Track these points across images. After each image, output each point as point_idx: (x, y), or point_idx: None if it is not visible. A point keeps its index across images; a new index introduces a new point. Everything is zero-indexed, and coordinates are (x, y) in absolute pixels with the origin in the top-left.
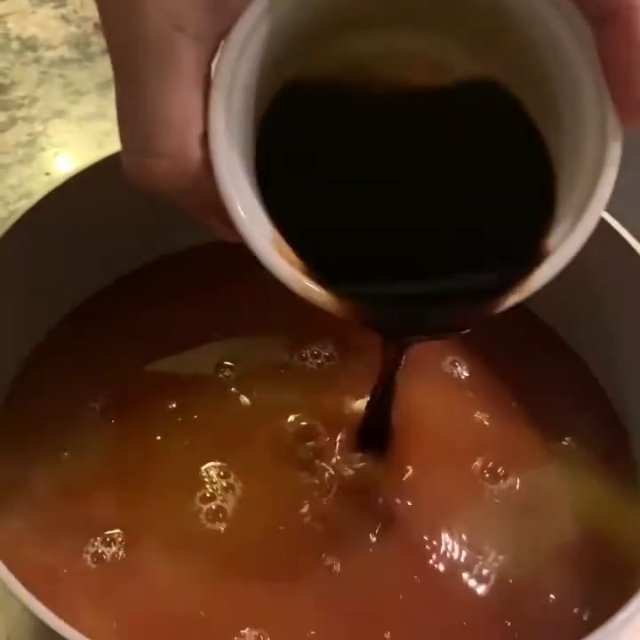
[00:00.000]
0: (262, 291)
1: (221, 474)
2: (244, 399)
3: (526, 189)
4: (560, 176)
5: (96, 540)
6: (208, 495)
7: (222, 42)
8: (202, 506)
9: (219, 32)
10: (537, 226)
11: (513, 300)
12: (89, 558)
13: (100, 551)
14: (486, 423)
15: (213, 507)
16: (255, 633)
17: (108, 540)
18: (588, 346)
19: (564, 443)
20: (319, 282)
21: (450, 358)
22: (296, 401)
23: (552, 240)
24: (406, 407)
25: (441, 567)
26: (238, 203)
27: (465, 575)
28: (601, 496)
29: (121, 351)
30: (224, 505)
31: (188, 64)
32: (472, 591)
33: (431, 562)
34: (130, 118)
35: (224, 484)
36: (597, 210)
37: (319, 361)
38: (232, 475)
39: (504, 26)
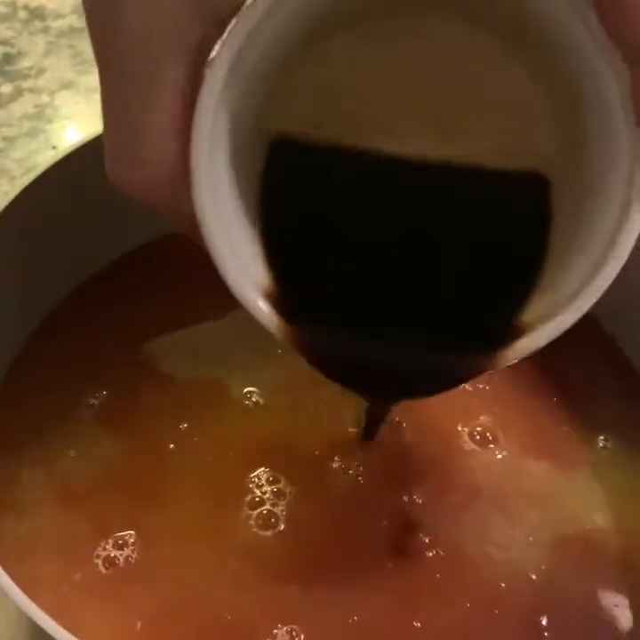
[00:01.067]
0: None
1: (256, 478)
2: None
3: (527, 246)
4: (570, 229)
5: (107, 544)
6: (250, 499)
7: (208, 58)
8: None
9: (201, 36)
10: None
11: (513, 356)
12: (100, 563)
13: (111, 555)
14: (520, 413)
15: (259, 512)
16: (287, 628)
17: (119, 542)
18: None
19: (600, 437)
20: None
21: None
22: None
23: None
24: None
25: (475, 559)
26: (213, 226)
27: (500, 567)
28: (636, 492)
29: (120, 341)
30: (271, 510)
31: (168, 77)
32: (507, 583)
33: (465, 553)
34: (110, 119)
35: (270, 488)
36: (623, 257)
37: None
38: (276, 478)
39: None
